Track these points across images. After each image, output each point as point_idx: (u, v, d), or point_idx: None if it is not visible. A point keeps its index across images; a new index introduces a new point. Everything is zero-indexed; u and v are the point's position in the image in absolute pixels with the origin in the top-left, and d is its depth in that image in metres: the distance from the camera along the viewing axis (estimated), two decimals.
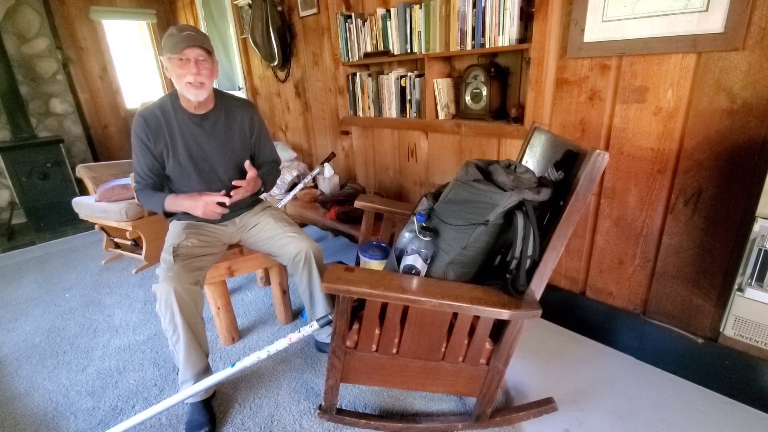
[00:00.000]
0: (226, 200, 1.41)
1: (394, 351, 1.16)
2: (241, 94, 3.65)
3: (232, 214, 1.62)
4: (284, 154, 2.96)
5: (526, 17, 1.55)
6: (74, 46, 3.80)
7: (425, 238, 1.12)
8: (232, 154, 1.54)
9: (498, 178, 1.05)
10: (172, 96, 1.46)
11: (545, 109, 1.59)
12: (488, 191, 1.03)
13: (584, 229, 1.61)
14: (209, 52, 1.37)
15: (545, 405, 1.33)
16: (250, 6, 2.93)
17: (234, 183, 1.48)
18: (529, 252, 1.01)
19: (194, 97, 1.38)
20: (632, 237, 1.49)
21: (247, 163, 1.50)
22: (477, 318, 1.08)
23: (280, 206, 2.46)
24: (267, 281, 2.25)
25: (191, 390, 1.24)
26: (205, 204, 1.38)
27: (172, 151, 1.45)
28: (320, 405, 1.31)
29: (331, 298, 1.56)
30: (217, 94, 1.52)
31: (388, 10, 2.03)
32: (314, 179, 2.82)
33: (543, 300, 1.07)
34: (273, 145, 1.71)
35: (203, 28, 3.86)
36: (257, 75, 3.48)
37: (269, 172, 1.66)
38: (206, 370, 1.36)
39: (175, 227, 1.51)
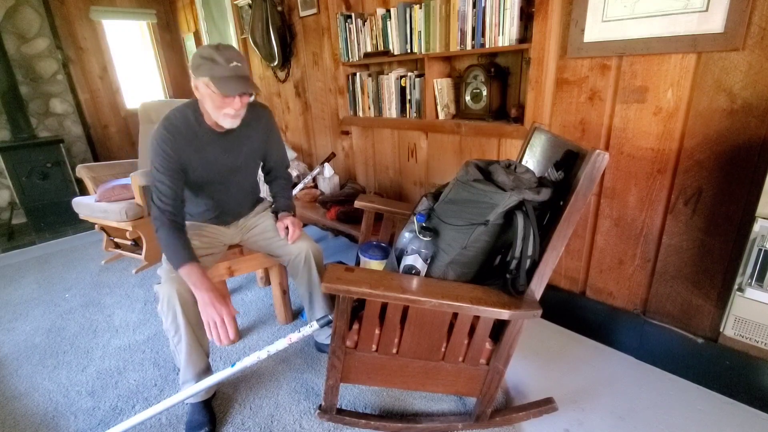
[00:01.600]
0: (232, 335, 1.22)
1: (394, 351, 1.16)
2: None
3: (233, 217, 1.62)
4: None
5: (526, 17, 1.55)
6: (74, 46, 3.80)
7: (425, 238, 1.12)
8: (246, 167, 1.52)
9: (498, 178, 1.05)
10: (195, 111, 1.35)
11: (545, 109, 1.59)
12: (488, 191, 1.03)
13: (584, 229, 1.61)
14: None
15: (545, 405, 1.33)
16: (250, 6, 2.93)
17: (286, 237, 1.53)
18: (529, 252, 1.01)
19: (229, 125, 1.32)
20: (632, 237, 1.49)
21: (279, 227, 1.54)
22: (477, 318, 1.08)
23: None
24: (267, 281, 2.25)
25: (192, 390, 1.24)
26: (216, 313, 1.19)
27: (190, 167, 1.37)
28: (320, 405, 1.31)
29: (331, 299, 1.56)
30: None
31: (388, 10, 2.03)
32: (314, 179, 2.82)
33: (543, 300, 1.07)
34: (283, 146, 1.68)
35: (203, 28, 3.87)
36: (257, 75, 3.48)
37: (283, 189, 1.67)
38: (207, 370, 1.36)
39: None
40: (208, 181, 1.44)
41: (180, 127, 1.32)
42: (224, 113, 1.28)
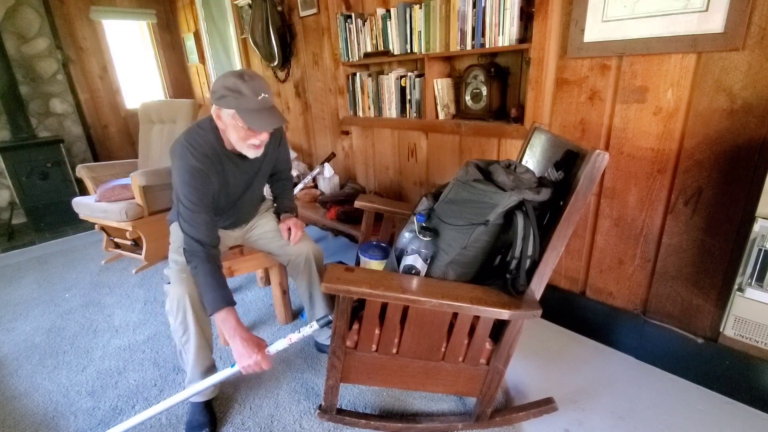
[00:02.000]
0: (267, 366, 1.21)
1: (394, 351, 1.16)
2: None
3: (242, 223, 1.62)
4: None
5: (526, 17, 1.55)
6: (74, 46, 3.80)
7: (425, 238, 1.12)
8: (259, 180, 1.52)
9: (498, 178, 1.05)
10: (217, 137, 1.30)
11: (545, 109, 1.59)
12: (488, 191, 1.03)
13: (584, 229, 1.61)
14: None
15: (545, 405, 1.33)
16: (250, 6, 2.93)
17: (289, 239, 1.55)
18: (529, 252, 1.01)
19: (253, 156, 1.30)
20: (632, 237, 1.49)
21: (282, 229, 1.57)
22: (477, 318, 1.08)
23: None
24: (267, 281, 2.25)
25: (196, 388, 1.25)
26: (254, 364, 1.17)
27: (214, 193, 1.34)
28: (320, 405, 1.31)
29: (331, 299, 1.56)
30: None
31: (388, 10, 2.03)
32: (314, 179, 2.82)
33: (543, 300, 1.08)
34: (289, 151, 1.68)
35: (203, 28, 3.87)
36: None
37: (285, 189, 1.68)
38: (213, 368, 1.37)
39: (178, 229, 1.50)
40: (225, 199, 1.42)
41: (208, 155, 1.28)
42: (249, 144, 1.25)
